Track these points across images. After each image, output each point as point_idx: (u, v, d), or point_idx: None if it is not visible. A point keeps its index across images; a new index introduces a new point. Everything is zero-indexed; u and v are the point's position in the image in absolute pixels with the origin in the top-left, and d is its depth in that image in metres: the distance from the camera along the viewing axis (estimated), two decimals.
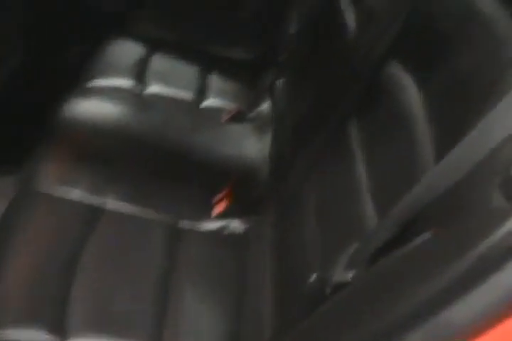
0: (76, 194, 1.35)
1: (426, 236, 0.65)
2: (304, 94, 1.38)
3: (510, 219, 0.53)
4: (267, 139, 1.53)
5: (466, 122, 0.68)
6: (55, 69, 1.92)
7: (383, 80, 1.01)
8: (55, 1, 1.90)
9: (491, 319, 0.52)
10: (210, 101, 1.71)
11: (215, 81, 1.79)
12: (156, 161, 1.46)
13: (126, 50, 1.81)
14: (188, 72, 1.79)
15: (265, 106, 1.66)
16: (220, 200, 1.37)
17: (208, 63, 1.84)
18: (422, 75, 0.90)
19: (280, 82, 1.56)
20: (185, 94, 1.70)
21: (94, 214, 1.30)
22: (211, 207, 1.37)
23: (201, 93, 1.73)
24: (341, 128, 1.11)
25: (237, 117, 1.63)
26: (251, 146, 1.52)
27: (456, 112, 0.77)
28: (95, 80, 1.65)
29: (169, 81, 1.72)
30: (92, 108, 1.56)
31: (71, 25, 1.96)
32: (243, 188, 1.42)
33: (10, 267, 1.16)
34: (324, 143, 1.19)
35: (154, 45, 1.83)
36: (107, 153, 1.45)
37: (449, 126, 0.77)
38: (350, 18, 1.22)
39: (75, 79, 1.68)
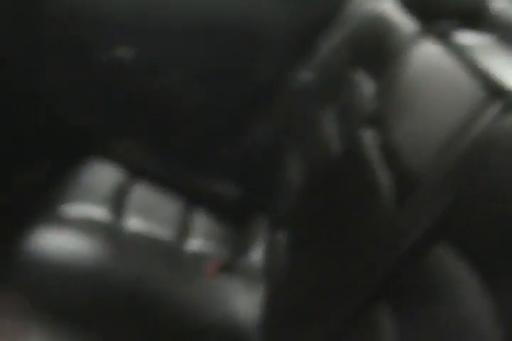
0: None
1: None
2: (311, 261, 1.18)
3: None
4: (258, 299, 1.33)
5: None
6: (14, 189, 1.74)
7: (428, 265, 0.84)
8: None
9: None
10: (193, 244, 1.51)
11: (199, 219, 1.61)
12: (128, 323, 1.21)
13: (105, 177, 1.62)
14: (171, 206, 1.61)
15: (256, 258, 1.47)
16: None
17: (192, 197, 1.66)
18: (486, 270, 0.73)
19: (279, 236, 1.37)
20: (167, 233, 1.50)
21: None
22: None
23: (184, 232, 1.53)
24: (363, 314, 0.92)
25: (225, 269, 1.43)
26: (240, 308, 1.30)
27: None
28: (66, 207, 1.45)
29: (150, 216, 1.53)
30: (58, 243, 1.32)
31: (37, 139, 1.79)
32: None
33: None
34: (336, 329, 0.99)
35: (135, 172, 1.66)
36: (68, 305, 1.19)
37: None
38: (383, 177, 1.05)
39: (39, 202, 1.48)
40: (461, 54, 1.06)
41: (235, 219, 1.63)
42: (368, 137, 1.13)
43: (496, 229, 0.74)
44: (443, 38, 1.13)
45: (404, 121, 1.06)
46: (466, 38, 1.15)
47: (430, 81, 1.06)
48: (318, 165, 1.34)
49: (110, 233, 1.42)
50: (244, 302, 1.32)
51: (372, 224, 1.00)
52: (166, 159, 1.73)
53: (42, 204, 1.45)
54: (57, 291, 1.22)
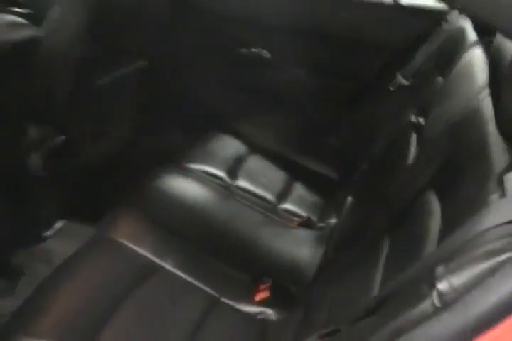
0: (142, 248, 1.53)
1: None
2: (356, 212, 1.54)
3: None
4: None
5: None
6: (153, 146, 2.20)
7: (418, 206, 1.15)
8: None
9: None
10: (287, 206, 1.88)
11: (297, 189, 1.97)
12: (219, 245, 1.63)
13: (227, 146, 2.04)
14: (277, 176, 1.99)
15: (334, 220, 1.81)
16: (264, 289, 1.52)
17: (295, 173, 2.04)
18: (445, 203, 1.04)
19: (348, 200, 1.72)
20: (268, 195, 1.88)
21: (150, 268, 1.47)
22: (253, 292, 1.52)
23: (282, 197, 1.91)
24: (374, 243, 1.24)
25: (307, 224, 1.79)
26: (309, 251, 1.66)
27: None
28: (193, 163, 1.89)
29: (258, 180, 1.92)
30: (181, 185, 1.77)
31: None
32: (286, 285, 1.56)
33: (52, 303, 1.34)
34: (357, 255, 1.32)
35: (253, 148, 2.07)
36: (177, 224, 1.64)
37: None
38: (413, 145, 1.39)
39: (174, 157, 1.92)
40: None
41: (326, 192, 1.98)
42: (416, 121, 1.46)
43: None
44: (486, 45, 1.43)
45: (437, 106, 1.38)
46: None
47: (465, 75, 1.36)
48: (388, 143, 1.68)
49: (222, 186, 1.83)
50: (315, 248, 1.67)
51: (398, 178, 1.33)
52: (280, 140, 2.11)
53: (174, 160, 1.88)
54: (172, 217, 1.67)
